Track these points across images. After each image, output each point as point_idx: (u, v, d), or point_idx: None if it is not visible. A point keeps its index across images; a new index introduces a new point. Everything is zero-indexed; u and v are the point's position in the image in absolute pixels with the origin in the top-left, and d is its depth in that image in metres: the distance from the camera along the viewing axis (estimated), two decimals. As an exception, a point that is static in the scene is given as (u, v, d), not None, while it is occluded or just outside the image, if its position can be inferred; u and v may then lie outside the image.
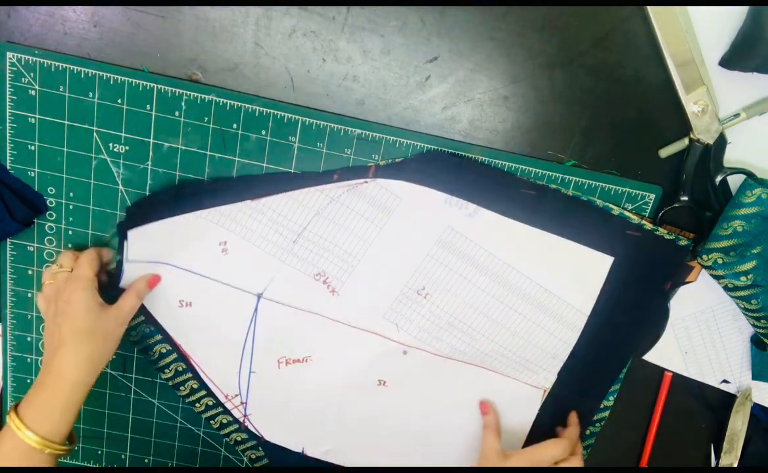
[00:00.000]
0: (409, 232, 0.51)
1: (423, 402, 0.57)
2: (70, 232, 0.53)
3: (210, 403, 0.57)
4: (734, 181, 0.51)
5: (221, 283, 0.53)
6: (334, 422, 0.58)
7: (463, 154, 0.50)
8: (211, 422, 0.58)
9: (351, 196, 0.50)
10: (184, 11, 0.47)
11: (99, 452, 0.61)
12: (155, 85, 0.48)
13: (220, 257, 0.52)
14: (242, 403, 0.57)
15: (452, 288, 0.53)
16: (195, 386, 0.56)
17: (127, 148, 0.50)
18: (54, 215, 0.52)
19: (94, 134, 0.50)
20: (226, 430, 0.58)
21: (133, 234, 0.51)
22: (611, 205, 0.51)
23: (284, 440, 0.59)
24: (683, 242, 0.51)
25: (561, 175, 0.51)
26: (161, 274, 0.53)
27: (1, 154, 0.50)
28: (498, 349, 0.55)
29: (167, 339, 0.55)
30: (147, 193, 0.51)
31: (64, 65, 0.47)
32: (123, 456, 0.61)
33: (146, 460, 0.61)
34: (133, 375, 0.58)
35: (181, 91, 0.48)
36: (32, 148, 0.50)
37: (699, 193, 0.51)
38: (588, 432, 0.59)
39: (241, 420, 0.58)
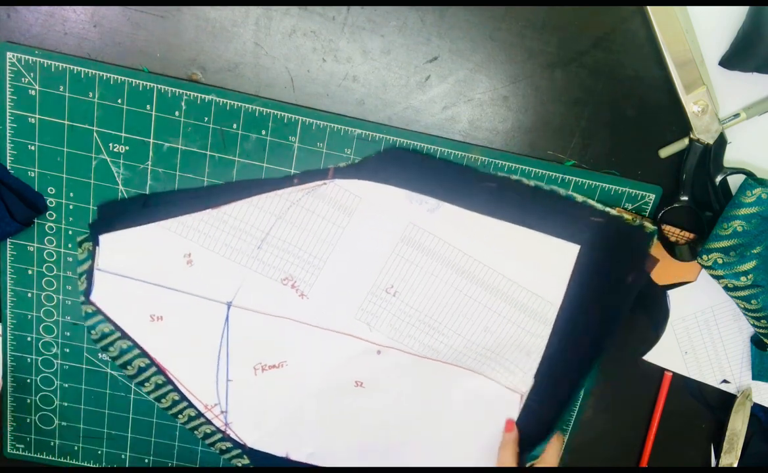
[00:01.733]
0: (372, 230, 0.51)
1: (400, 403, 0.57)
2: (70, 232, 0.53)
3: (192, 414, 0.57)
4: (734, 181, 0.51)
5: (190, 295, 0.53)
6: (314, 425, 0.58)
7: (424, 150, 0.50)
8: (195, 432, 0.58)
9: (311, 199, 0.50)
10: (184, 11, 0.47)
11: (99, 452, 0.61)
12: (155, 85, 0.48)
13: (186, 269, 0.52)
14: (222, 412, 0.57)
15: (420, 286, 0.52)
16: (176, 397, 0.57)
17: (127, 148, 0.50)
18: (54, 215, 0.52)
19: (94, 134, 0.50)
20: (211, 440, 0.59)
21: (104, 239, 0.51)
22: (575, 194, 0.50)
23: (267, 446, 0.59)
24: (648, 229, 0.50)
25: (561, 175, 0.51)
26: (129, 289, 0.53)
27: (1, 154, 0.50)
28: (471, 347, 0.54)
29: (143, 353, 0.55)
30: (146, 192, 0.51)
31: (64, 65, 0.47)
32: (123, 456, 0.61)
33: (146, 460, 0.61)
34: (133, 375, 0.58)
35: (181, 91, 0.48)
36: (32, 148, 0.50)
37: (699, 193, 0.51)
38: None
39: (222, 429, 0.58)
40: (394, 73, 0.49)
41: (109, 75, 0.48)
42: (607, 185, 0.51)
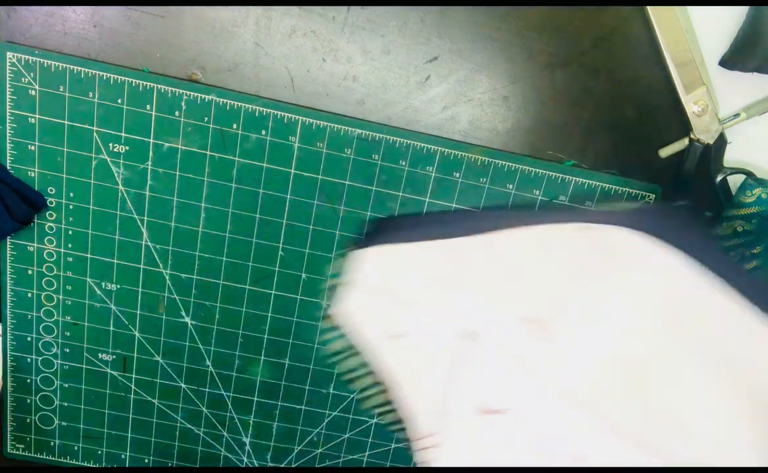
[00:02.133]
0: (634, 293, 0.46)
1: None
2: (70, 232, 0.53)
3: (405, 437, 0.56)
4: (734, 181, 0.51)
5: (439, 320, 0.52)
6: None
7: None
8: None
9: (579, 240, 0.47)
10: (184, 11, 0.47)
11: (99, 452, 0.61)
12: (155, 85, 0.48)
13: (446, 293, 0.51)
14: (433, 444, 0.55)
15: (677, 373, 0.45)
16: (395, 419, 0.56)
17: (127, 148, 0.50)
18: (54, 215, 0.52)
19: (94, 134, 0.50)
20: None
21: (369, 252, 0.50)
22: None
23: None
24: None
25: (561, 175, 0.51)
26: (374, 305, 0.52)
27: (1, 154, 0.50)
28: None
29: (374, 371, 0.54)
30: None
31: (64, 65, 0.47)
32: (123, 456, 0.61)
33: (146, 460, 0.61)
34: (133, 375, 0.58)
35: (181, 91, 0.48)
36: (32, 148, 0.50)
37: (699, 193, 0.51)
38: None
39: (432, 460, 0.55)
40: (394, 73, 0.49)
41: (109, 75, 0.48)
42: (607, 185, 0.51)
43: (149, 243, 0.53)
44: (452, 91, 0.49)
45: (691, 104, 0.48)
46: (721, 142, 0.49)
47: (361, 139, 0.50)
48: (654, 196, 0.51)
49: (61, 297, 0.55)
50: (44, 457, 0.61)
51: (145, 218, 0.52)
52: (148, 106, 0.49)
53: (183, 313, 0.56)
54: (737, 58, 0.46)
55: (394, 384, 0.54)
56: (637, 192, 0.51)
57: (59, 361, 0.57)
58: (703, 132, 0.48)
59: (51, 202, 0.52)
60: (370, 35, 0.48)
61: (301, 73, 0.49)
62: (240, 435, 0.60)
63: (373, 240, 0.51)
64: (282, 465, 0.61)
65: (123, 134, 0.50)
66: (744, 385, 0.43)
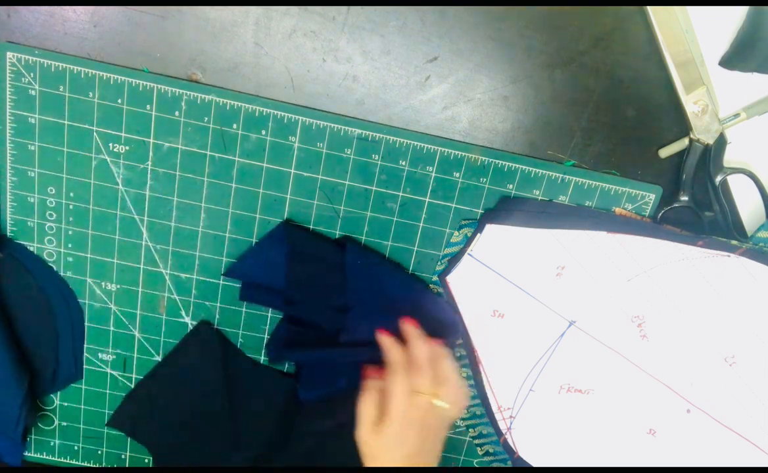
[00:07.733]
0: (745, 313, 0.51)
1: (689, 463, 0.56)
2: (70, 232, 0.53)
3: (478, 413, 0.58)
4: (734, 181, 0.51)
5: (541, 303, 0.53)
6: (595, 458, 0.57)
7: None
8: (471, 430, 0.59)
9: (706, 263, 0.51)
10: (184, 11, 0.47)
11: (99, 452, 0.61)
12: (155, 85, 0.48)
13: (552, 279, 0.53)
14: (511, 417, 0.57)
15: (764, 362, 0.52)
16: (470, 393, 0.57)
17: (127, 148, 0.50)
18: (54, 215, 0.52)
19: (94, 134, 0.50)
20: (482, 440, 0.59)
21: (489, 229, 0.51)
22: None
23: (538, 461, 0.58)
24: None
25: (561, 175, 0.51)
26: (486, 281, 0.53)
27: (1, 154, 0.50)
28: None
29: (465, 344, 0.55)
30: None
31: (64, 65, 0.47)
32: (123, 456, 0.61)
33: (146, 460, 0.61)
34: (133, 375, 0.58)
35: (181, 91, 0.48)
36: (32, 148, 0.50)
37: (699, 193, 0.51)
38: None
39: (503, 432, 0.58)
40: (394, 73, 0.49)
41: (109, 75, 0.48)
42: (607, 185, 0.51)
43: (149, 243, 0.53)
44: (452, 91, 0.49)
45: (691, 104, 0.48)
46: (721, 142, 0.49)
47: (361, 139, 0.50)
48: (654, 195, 0.51)
49: (61, 297, 0.55)
50: (44, 457, 0.61)
51: (145, 218, 0.52)
52: (148, 106, 0.49)
53: (183, 313, 0.56)
54: (737, 58, 0.46)
55: (484, 359, 0.55)
56: (637, 192, 0.51)
57: (59, 361, 0.57)
58: (703, 132, 0.48)
59: (51, 202, 0.52)
60: (370, 35, 0.48)
61: (301, 73, 0.49)
62: (240, 435, 0.60)
63: (490, 218, 0.51)
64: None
65: (123, 134, 0.50)
66: None
